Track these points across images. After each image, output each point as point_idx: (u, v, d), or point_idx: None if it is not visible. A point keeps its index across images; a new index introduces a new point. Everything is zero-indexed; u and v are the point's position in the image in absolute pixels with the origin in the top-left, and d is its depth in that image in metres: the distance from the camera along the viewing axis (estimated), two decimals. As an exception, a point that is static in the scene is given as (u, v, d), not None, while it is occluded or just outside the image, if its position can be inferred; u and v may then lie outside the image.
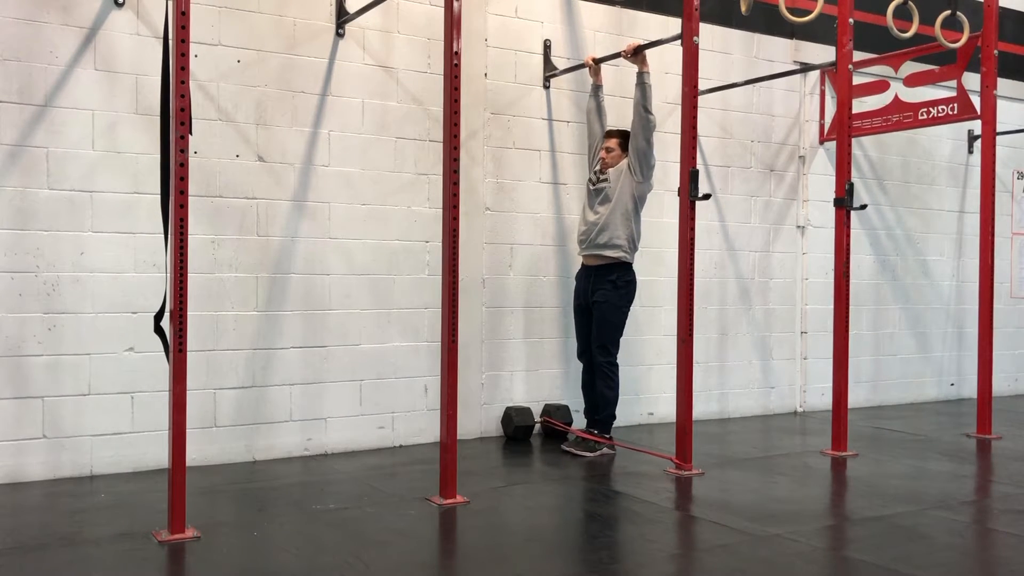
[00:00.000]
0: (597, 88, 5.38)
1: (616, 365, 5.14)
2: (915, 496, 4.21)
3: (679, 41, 4.63)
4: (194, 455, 4.35)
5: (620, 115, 5.62)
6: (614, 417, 5.15)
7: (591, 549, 3.44)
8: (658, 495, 4.20)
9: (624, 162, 5.10)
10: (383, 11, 5.09)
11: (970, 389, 7.13)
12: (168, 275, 3.41)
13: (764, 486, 4.44)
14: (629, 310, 5.18)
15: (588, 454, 5.01)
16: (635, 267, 5.20)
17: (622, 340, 5.20)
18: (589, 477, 4.59)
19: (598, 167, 5.24)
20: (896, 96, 6.56)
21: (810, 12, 5.08)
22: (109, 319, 4.44)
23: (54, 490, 4.14)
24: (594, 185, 5.22)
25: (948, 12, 5.48)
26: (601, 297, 5.09)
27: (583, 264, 5.27)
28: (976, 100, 6.04)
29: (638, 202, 5.11)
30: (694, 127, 4.58)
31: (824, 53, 6.48)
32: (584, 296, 5.21)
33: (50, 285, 4.32)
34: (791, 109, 6.70)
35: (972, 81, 6.16)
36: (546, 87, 5.69)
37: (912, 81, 6.59)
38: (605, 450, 5.05)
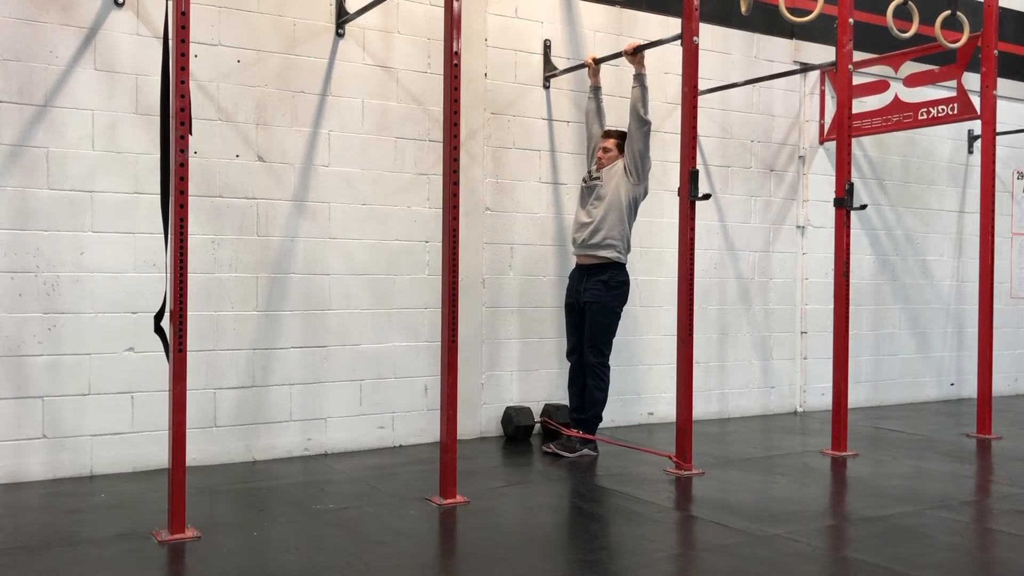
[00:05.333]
0: (596, 89, 5.38)
1: (608, 367, 5.10)
2: (915, 496, 4.21)
3: (679, 41, 4.63)
4: (194, 455, 4.36)
5: (619, 116, 5.61)
6: (600, 418, 5.12)
7: (591, 549, 3.44)
8: (658, 495, 4.20)
9: (619, 162, 5.09)
10: (383, 11, 5.09)
11: (970, 389, 7.13)
12: (168, 275, 3.41)
13: (764, 486, 4.44)
14: (621, 311, 5.14)
15: (568, 454, 4.98)
16: (635, 267, 5.20)
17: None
18: (589, 477, 4.59)
19: (594, 166, 5.23)
20: (896, 96, 6.56)
21: (810, 12, 5.09)
22: (109, 319, 4.44)
23: (54, 490, 4.14)
24: (586, 184, 5.21)
25: (948, 12, 5.48)
26: (592, 297, 5.05)
27: (576, 263, 5.26)
28: (976, 100, 6.04)
29: (632, 203, 5.08)
30: (694, 127, 4.58)
31: (824, 53, 6.48)
32: (576, 295, 5.18)
33: (50, 285, 4.32)
34: (791, 109, 6.70)
35: (972, 81, 6.16)
36: (546, 87, 5.69)
37: (912, 81, 6.59)
38: (586, 451, 5.03)
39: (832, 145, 6.48)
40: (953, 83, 6.33)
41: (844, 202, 5.14)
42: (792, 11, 5.13)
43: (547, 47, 5.68)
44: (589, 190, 5.16)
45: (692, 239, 4.58)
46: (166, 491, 3.41)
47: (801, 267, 6.73)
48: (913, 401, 7.30)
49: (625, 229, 5.07)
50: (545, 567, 3.21)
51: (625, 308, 5.17)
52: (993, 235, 5.82)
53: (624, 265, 5.10)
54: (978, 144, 6.44)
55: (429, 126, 5.25)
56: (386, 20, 5.14)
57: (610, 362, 5.12)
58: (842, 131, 5.22)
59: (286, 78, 4.87)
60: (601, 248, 5.05)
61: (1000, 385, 6.95)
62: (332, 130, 5.00)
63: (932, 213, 7.42)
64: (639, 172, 5.01)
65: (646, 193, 5.14)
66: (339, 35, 5.02)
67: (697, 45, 4.57)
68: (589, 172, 5.24)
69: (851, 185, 5.17)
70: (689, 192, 4.55)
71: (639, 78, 4.95)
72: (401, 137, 5.20)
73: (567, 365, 5.31)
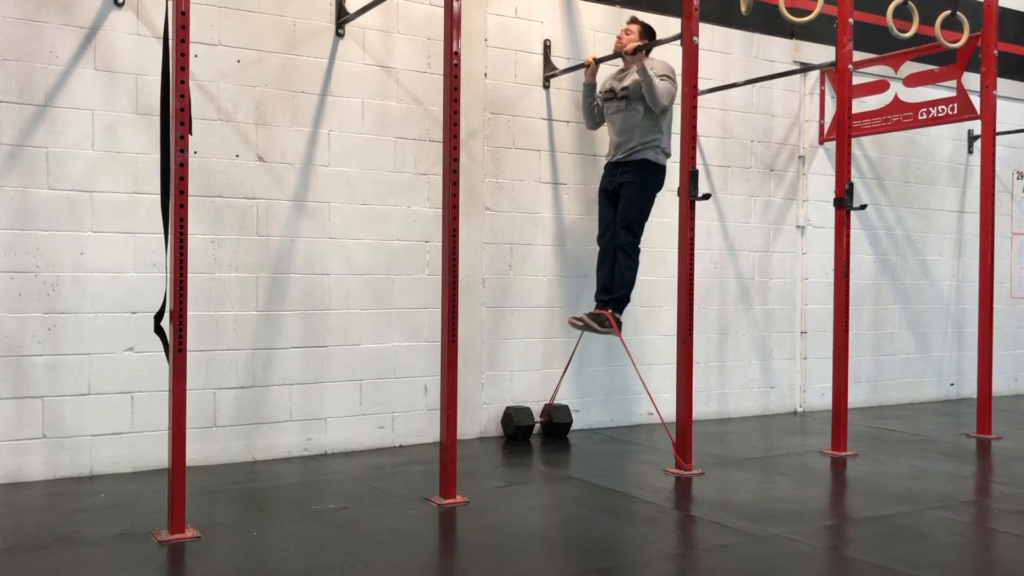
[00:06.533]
0: (591, 87, 5.40)
1: (639, 249, 5.21)
2: (915, 496, 4.21)
3: (679, 41, 4.63)
4: (194, 455, 4.36)
5: (620, 115, 5.62)
6: (628, 300, 5.22)
7: (591, 549, 3.44)
8: (658, 495, 4.20)
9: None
10: (383, 11, 5.09)
11: (970, 389, 7.13)
12: (168, 275, 3.41)
13: (764, 486, 4.44)
14: (655, 196, 5.24)
15: (597, 328, 5.10)
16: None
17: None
18: (589, 477, 4.59)
19: (616, 81, 5.26)
20: (896, 96, 6.56)
21: (810, 12, 5.08)
22: (109, 319, 4.44)
23: (54, 490, 4.14)
24: (608, 100, 5.28)
25: (948, 12, 5.48)
26: (628, 179, 5.15)
27: (611, 160, 5.34)
28: (976, 100, 6.04)
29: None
30: (694, 127, 4.58)
31: (824, 53, 6.48)
32: (611, 180, 5.27)
33: (50, 285, 4.32)
34: (791, 109, 6.70)
35: (972, 81, 6.16)
36: (546, 87, 5.69)
37: (912, 81, 6.59)
38: (614, 331, 5.14)
39: (832, 145, 6.48)
40: (953, 83, 6.33)
41: (844, 202, 5.14)
42: (792, 11, 5.12)
43: (547, 47, 5.68)
44: (617, 108, 5.24)
45: (692, 239, 4.59)
46: (166, 491, 3.41)
47: (801, 267, 6.73)
48: (913, 401, 7.30)
49: (661, 135, 5.15)
50: (545, 567, 3.21)
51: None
52: (993, 235, 5.82)
53: (663, 165, 5.20)
54: (978, 144, 6.44)
55: (429, 126, 5.25)
56: (386, 20, 5.14)
57: (640, 253, 5.23)
58: (842, 131, 5.22)
59: (286, 78, 4.87)
60: (636, 152, 5.15)
61: (1000, 385, 6.95)
62: (332, 130, 5.00)
63: (932, 213, 7.42)
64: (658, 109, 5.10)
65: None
66: (339, 35, 5.02)
67: (697, 45, 4.57)
68: (611, 89, 5.28)
69: (851, 185, 5.17)
70: (689, 192, 4.55)
71: (641, 73, 4.98)
72: (401, 137, 5.19)
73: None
